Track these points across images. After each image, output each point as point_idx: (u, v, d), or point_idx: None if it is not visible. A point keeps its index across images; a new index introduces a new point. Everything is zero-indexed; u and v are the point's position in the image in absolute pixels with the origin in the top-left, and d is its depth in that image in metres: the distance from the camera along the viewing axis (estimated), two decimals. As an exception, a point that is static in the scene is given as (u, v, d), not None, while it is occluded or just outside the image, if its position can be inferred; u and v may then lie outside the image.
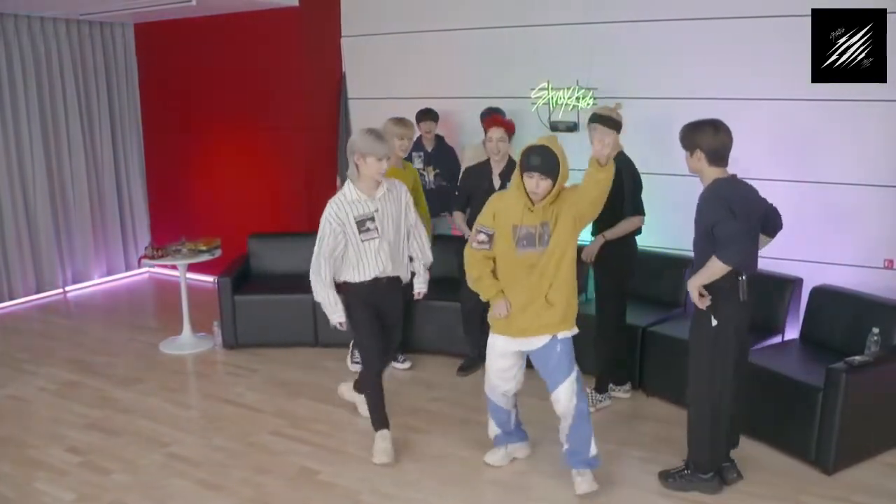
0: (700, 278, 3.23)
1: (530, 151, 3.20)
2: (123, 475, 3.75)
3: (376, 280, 3.71)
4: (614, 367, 4.44)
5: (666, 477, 3.54)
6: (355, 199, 3.62)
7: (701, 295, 3.25)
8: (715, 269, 3.16)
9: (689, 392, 3.48)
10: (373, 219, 3.63)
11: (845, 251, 4.76)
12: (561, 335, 3.39)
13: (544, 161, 3.17)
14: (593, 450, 3.46)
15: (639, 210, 4.20)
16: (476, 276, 3.47)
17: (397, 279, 3.83)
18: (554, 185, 3.21)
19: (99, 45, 7.13)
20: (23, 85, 6.52)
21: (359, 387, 4.21)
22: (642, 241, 4.42)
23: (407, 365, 5.06)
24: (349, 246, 3.65)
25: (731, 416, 3.46)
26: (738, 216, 3.13)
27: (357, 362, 4.85)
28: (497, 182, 4.62)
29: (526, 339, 3.43)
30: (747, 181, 3.42)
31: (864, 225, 4.71)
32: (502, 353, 3.51)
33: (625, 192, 4.06)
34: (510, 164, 4.59)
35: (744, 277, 3.23)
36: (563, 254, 3.31)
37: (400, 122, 4.64)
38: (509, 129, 4.58)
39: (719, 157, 3.23)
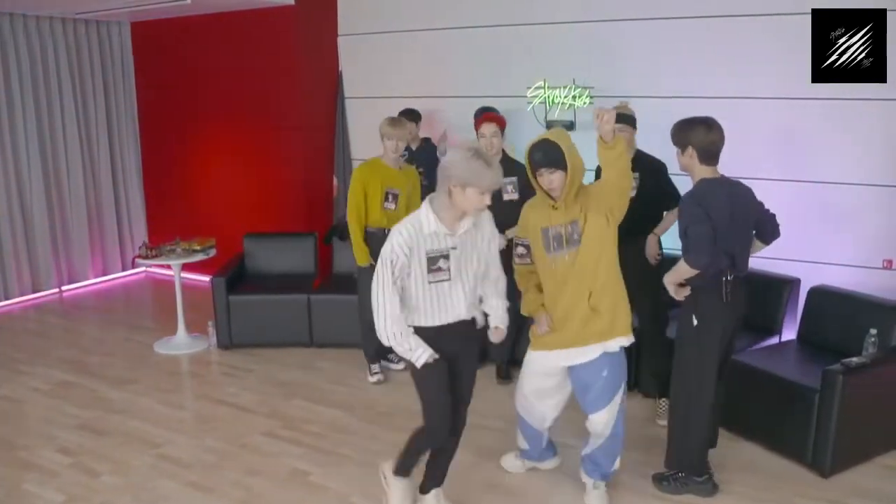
0: (671, 276, 3.28)
1: (532, 149, 3.09)
2: (114, 476, 3.72)
3: (443, 327, 2.98)
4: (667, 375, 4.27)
5: (660, 480, 3.50)
6: (434, 230, 2.86)
7: (681, 285, 3.28)
8: (682, 270, 3.20)
9: (675, 401, 3.44)
10: (447, 257, 2.90)
11: (844, 251, 4.73)
12: (611, 347, 3.17)
13: (546, 154, 3.04)
14: (615, 465, 3.39)
15: (678, 197, 4.06)
16: (522, 291, 3.36)
17: (470, 322, 3.09)
18: (567, 176, 3.03)
19: (95, 44, 7.11)
20: (18, 84, 6.50)
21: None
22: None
23: (402, 366, 5.02)
24: (414, 285, 2.90)
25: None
26: (714, 221, 3.10)
27: (377, 373, 4.81)
28: None
29: (568, 352, 3.21)
30: (745, 181, 3.39)
31: (863, 225, 4.67)
32: (543, 372, 3.33)
33: (661, 186, 3.99)
34: (504, 160, 4.55)
35: (728, 278, 3.21)
36: (601, 253, 3.11)
37: (396, 122, 4.56)
38: (501, 124, 4.56)
39: (711, 155, 3.20)
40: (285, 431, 4.17)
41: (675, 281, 3.27)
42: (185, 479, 3.68)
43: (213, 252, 5.59)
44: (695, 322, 3.26)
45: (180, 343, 5.51)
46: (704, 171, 3.22)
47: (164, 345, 5.53)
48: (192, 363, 5.30)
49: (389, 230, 4.51)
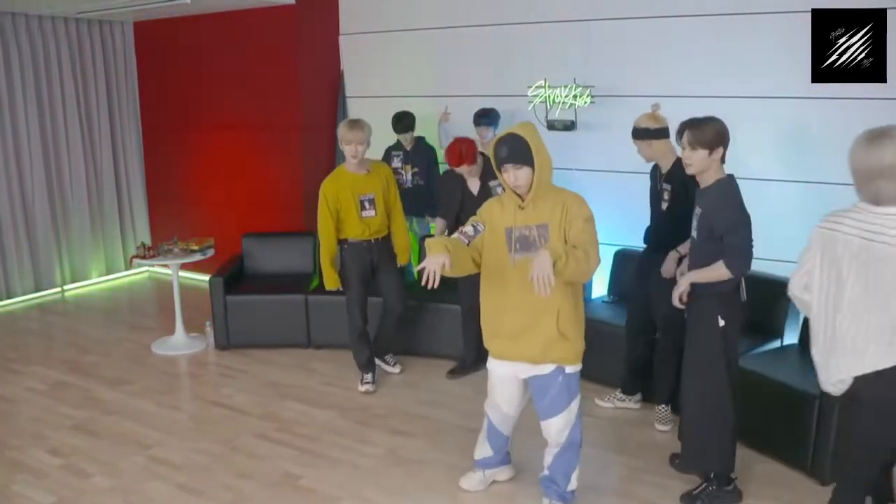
0: (697, 276, 3.20)
1: (498, 143, 2.96)
2: (103, 478, 3.69)
3: None
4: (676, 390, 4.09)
5: (692, 500, 3.35)
6: None
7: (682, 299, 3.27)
8: (720, 273, 3.11)
9: (695, 403, 3.31)
10: None
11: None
12: (569, 368, 3.07)
13: (512, 149, 2.89)
14: (572, 484, 3.22)
15: None
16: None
17: None
18: (534, 173, 2.90)
19: (98, 44, 7.11)
20: (21, 84, 6.51)
21: None
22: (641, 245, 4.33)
23: (398, 369, 4.97)
24: None
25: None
26: (747, 223, 3.09)
27: (368, 383, 4.67)
28: (475, 186, 4.48)
29: (526, 366, 3.10)
30: (746, 182, 3.36)
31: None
32: (506, 380, 3.20)
33: (684, 208, 3.80)
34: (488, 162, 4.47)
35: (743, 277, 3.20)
36: None
37: (353, 124, 4.35)
38: (469, 160, 4.31)
39: (724, 153, 3.17)
40: (278, 433, 4.13)
41: (701, 281, 3.20)
42: (175, 482, 3.64)
43: (211, 252, 5.56)
44: (721, 323, 3.17)
45: (178, 343, 5.49)
46: (720, 172, 3.17)
47: (162, 345, 5.51)
48: (188, 364, 5.27)
49: (375, 240, 4.53)
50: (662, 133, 3.89)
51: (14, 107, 6.51)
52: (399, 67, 6.29)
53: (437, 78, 6.09)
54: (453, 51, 5.99)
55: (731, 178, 3.18)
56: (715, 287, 3.15)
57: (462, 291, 4.69)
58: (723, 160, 3.16)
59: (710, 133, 3.10)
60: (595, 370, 4.62)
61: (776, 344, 4.28)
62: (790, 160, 4.75)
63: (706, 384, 3.27)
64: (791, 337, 4.30)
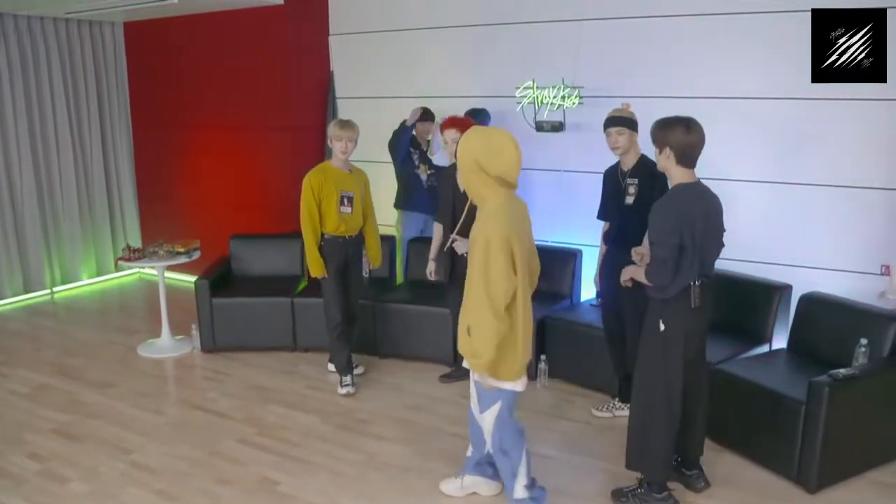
0: (633, 271, 3.29)
1: None
2: (81, 484, 3.64)
3: None
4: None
5: (619, 496, 3.36)
6: None
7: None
8: (641, 276, 3.17)
9: (636, 403, 3.30)
10: None
11: (840, 256, 4.58)
12: (476, 376, 3.03)
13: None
14: (518, 492, 3.12)
15: None
16: None
17: None
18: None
19: (88, 44, 7.07)
20: (9, 84, 6.47)
21: None
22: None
23: (360, 370, 4.90)
24: None
25: (696, 421, 3.38)
26: (684, 237, 3.00)
27: (348, 385, 4.64)
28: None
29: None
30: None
31: (861, 229, 4.52)
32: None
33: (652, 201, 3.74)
34: None
35: (697, 283, 3.10)
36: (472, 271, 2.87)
37: (345, 123, 4.42)
38: (465, 128, 4.38)
39: (688, 157, 3.07)
40: (259, 438, 4.08)
41: (634, 276, 3.28)
42: (153, 488, 3.60)
43: (197, 254, 5.52)
44: (662, 327, 3.15)
45: (164, 346, 5.44)
46: (681, 174, 3.10)
47: (148, 348, 5.46)
48: (174, 367, 5.23)
49: (349, 236, 4.50)
50: (634, 125, 3.89)
51: (3, 107, 6.46)
52: (389, 68, 6.24)
53: (427, 79, 6.03)
54: (442, 51, 5.94)
55: (689, 185, 3.09)
56: (658, 291, 3.13)
57: (450, 296, 4.65)
58: (682, 164, 3.07)
59: (654, 132, 3.11)
60: (586, 375, 4.60)
61: (764, 349, 4.23)
62: (787, 161, 4.68)
63: (643, 386, 3.27)
64: (780, 342, 4.25)
